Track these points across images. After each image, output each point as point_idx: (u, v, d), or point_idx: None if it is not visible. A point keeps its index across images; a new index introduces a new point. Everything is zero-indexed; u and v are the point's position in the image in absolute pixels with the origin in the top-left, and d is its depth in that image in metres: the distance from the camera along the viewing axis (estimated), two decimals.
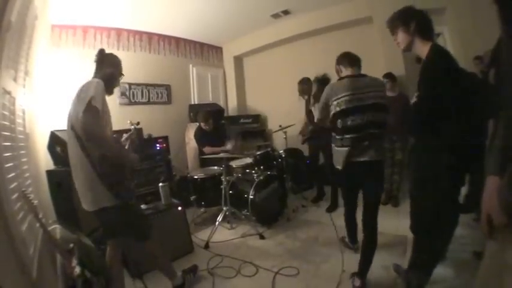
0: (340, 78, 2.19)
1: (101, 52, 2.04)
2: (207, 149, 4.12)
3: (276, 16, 5.20)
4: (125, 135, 2.25)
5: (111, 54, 2.09)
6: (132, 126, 2.35)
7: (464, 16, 3.48)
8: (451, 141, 1.51)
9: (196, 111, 5.18)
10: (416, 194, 1.73)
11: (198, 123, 4.47)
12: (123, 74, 2.11)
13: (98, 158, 1.71)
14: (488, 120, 1.46)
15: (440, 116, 1.50)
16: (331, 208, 3.78)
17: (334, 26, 5.07)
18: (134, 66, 4.90)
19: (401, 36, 1.68)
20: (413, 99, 1.59)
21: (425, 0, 3.56)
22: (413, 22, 1.61)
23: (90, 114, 1.60)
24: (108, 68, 1.98)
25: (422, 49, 1.60)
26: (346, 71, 2.19)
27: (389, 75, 3.88)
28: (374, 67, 4.55)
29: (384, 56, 4.40)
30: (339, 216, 2.87)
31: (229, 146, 4.23)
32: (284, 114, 5.59)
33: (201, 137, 4.25)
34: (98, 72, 1.96)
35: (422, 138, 1.64)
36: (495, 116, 0.93)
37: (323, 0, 4.61)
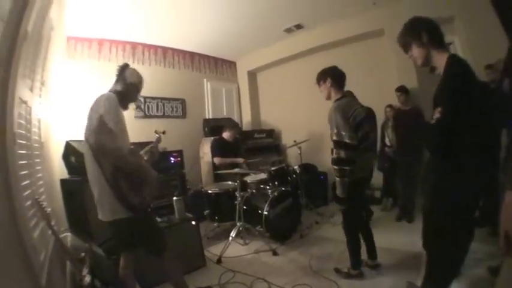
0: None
1: (122, 67, 2.09)
2: (217, 159, 4.18)
3: (288, 30, 5.34)
4: (146, 148, 2.26)
5: (131, 70, 2.12)
6: (157, 135, 2.38)
7: (474, 24, 3.46)
8: (480, 160, 1.46)
9: (210, 126, 5.31)
10: (432, 211, 1.67)
11: (213, 137, 4.58)
12: (139, 92, 2.13)
13: (110, 170, 1.74)
14: (501, 131, 1.45)
15: (467, 132, 1.45)
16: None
17: (347, 40, 5.16)
18: (149, 80, 5.00)
19: (417, 51, 1.64)
20: (435, 115, 1.52)
21: (433, 9, 3.67)
22: (424, 33, 1.58)
23: (101, 130, 1.67)
24: (124, 83, 2.02)
25: (439, 60, 1.57)
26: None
27: (402, 89, 3.90)
28: (386, 80, 4.60)
29: (397, 69, 4.42)
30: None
31: (239, 160, 4.31)
32: (298, 129, 5.64)
33: (219, 147, 4.32)
34: (115, 86, 2.01)
35: (444, 156, 1.56)
36: (509, 126, 0.91)
37: (335, 13, 4.70)
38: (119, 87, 1.98)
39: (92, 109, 1.76)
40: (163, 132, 2.46)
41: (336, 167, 2.35)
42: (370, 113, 3.70)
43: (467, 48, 3.76)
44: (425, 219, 1.72)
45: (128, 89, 2.02)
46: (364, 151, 2.41)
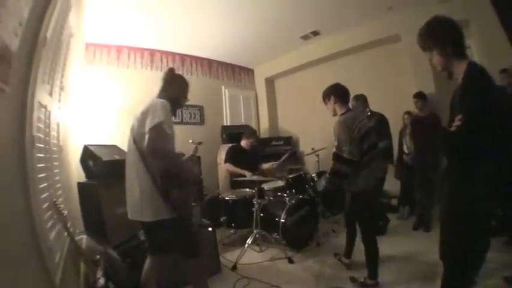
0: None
1: (171, 72, 2.14)
2: (228, 166, 4.22)
3: (305, 37, 5.36)
4: (185, 157, 2.30)
5: (180, 76, 2.19)
6: (194, 145, 2.46)
7: (489, 28, 3.38)
8: (500, 168, 1.44)
9: (228, 133, 5.34)
10: (448, 219, 1.63)
11: (231, 144, 4.64)
12: (188, 99, 2.21)
13: (161, 173, 1.81)
14: None
15: (487, 139, 1.43)
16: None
17: (363, 46, 5.16)
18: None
19: (438, 58, 1.63)
20: (455, 123, 1.50)
21: (447, 12, 3.56)
22: (449, 43, 1.56)
23: (159, 135, 1.72)
24: (175, 89, 2.08)
25: (458, 68, 1.55)
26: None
27: (419, 95, 3.84)
28: (404, 86, 4.55)
29: (414, 74, 4.37)
30: None
31: (266, 165, 4.34)
32: (316, 136, 5.60)
33: (233, 154, 4.35)
34: (164, 92, 2.05)
35: (464, 164, 1.53)
36: None
37: (351, 19, 4.70)
38: (169, 94, 2.03)
39: (147, 114, 1.80)
40: (200, 143, 2.55)
41: (329, 177, 2.62)
42: (381, 120, 3.70)
43: (482, 52, 3.72)
44: (442, 229, 1.67)
45: (178, 96, 2.09)
46: (370, 162, 2.50)
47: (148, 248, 2.12)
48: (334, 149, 2.56)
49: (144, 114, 1.82)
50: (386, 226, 3.65)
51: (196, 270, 2.05)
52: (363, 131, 2.52)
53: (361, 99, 3.84)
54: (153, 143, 1.70)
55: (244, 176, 3.88)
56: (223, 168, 4.77)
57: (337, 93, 2.75)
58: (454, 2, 3.85)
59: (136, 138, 1.87)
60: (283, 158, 4.09)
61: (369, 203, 2.59)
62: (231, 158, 4.31)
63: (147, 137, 1.71)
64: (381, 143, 3.39)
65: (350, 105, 2.86)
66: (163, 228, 1.84)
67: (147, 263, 2.06)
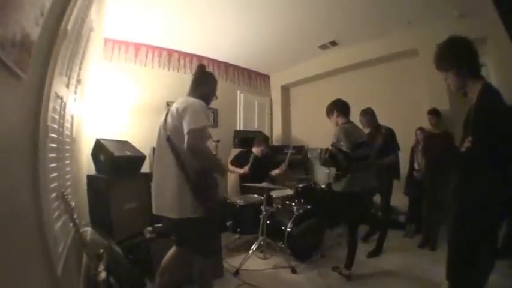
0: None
1: (202, 69, 2.19)
2: (229, 166, 4.34)
3: (323, 47, 5.35)
4: None
5: (210, 74, 2.25)
6: (214, 143, 2.51)
7: (506, 46, 3.32)
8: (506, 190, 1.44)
9: (240, 137, 5.38)
10: (457, 239, 1.62)
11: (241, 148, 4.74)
12: (217, 96, 2.26)
13: (197, 172, 1.85)
14: None
15: (497, 161, 1.44)
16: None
17: (380, 59, 5.12)
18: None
19: (453, 78, 1.65)
20: (466, 144, 1.52)
21: (465, 29, 3.61)
22: (465, 64, 1.58)
23: (202, 137, 1.82)
24: (206, 87, 2.14)
25: (473, 88, 1.57)
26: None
27: (434, 111, 3.83)
28: (418, 101, 4.51)
29: (429, 90, 4.33)
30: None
31: (276, 171, 4.37)
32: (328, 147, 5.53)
33: (238, 157, 4.43)
34: (197, 90, 2.10)
35: (472, 183, 1.54)
36: None
37: (370, 31, 4.67)
38: (202, 93, 2.08)
39: (185, 113, 1.84)
40: (218, 141, 2.60)
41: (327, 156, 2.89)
42: (388, 134, 3.76)
43: (499, 70, 3.66)
44: (450, 249, 1.65)
45: (209, 94, 2.16)
46: (357, 169, 2.82)
47: (174, 240, 2.16)
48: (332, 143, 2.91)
49: (181, 113, 1.85)
50: (382, 242, 3.52)
51: (204, 270, 2.07)
52: (359, 142, 2.89)
53: (369, 113, 3.95)
54: (197, 145, 1.76)
55: (247, 177, 3.88)
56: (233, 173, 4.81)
57: (338, 107, 3.11)
58: (472, 18, 3.80)
59: (171, 136, 1.90)
60: (288, 155, 4.30)
61: (350, 204, 2.95)
62: (236, 160, 4.40)
63: (187, 137, 1.76)
64: (385, 158, 3.64)
65: (359, 119, 3.39)
66: (188, 225, 1.87)
67: (170, 252, 2.11)
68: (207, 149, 1.90)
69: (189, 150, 1.76)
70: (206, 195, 1.86)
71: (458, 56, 1.61)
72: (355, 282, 2.86)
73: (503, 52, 3.56)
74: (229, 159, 5.21)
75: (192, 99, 1.94)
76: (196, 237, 1.93)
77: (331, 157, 2.87)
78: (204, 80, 2.14)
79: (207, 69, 2.23)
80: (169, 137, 1.90)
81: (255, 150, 4.43)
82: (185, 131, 1.78)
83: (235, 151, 5.24)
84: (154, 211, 2.00)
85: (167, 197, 1.89)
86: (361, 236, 3.93)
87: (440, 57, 1.69)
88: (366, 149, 2.97)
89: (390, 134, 3.85)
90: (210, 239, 2.04)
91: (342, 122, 3.03)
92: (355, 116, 3.91)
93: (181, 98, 2.02)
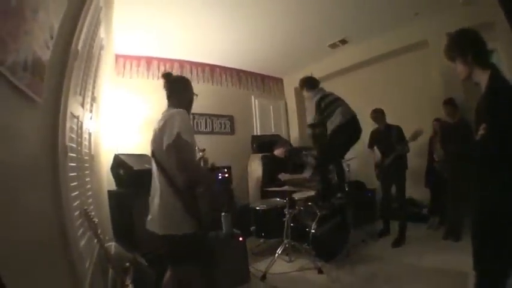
0: None
1: (169, 76, 2.09)
2: (283, 176, 4.22)
3: (333, 46, 5.31)
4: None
5: (181, 78, 2.17)
6: (200, 153, 2.36)
7: None
8: None
9: (258, 142, 5.40)
10: (481, 230, 1.61)
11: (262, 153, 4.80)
12: (196, 94, 2.16)
13: (184, 184, 1.75)
14: None
15: None
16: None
17: (391, 53, 5.07)
18: (198, 97, 5.20)
19: (460, 68, 1.68)
20: (480, 131, 1.53)
21: (473, 15, 3.65)
22: (470, 52, 1.60)
23: (180, 146, 1.66)
24: (183, 93, 2.05)
25: (481, 77, 1.59)
26: None
27: (449, 101, 3.77)
28: (433, 92, 4.42)
29: (443, 80, 4.26)
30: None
31: (306, 174, 4.35)
32: None
33: (273, 166, 4.42)
34: (172, 99, 2.01)
35: (491, 172, 1.54)
36: None
37: (378, 26, 4.63)
38: (180, 100, 1.99)
39: (164, 127, 1.75)
40: (204, 150, 2.46)
41: None
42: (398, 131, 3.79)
43: (509, 55, 3.60)
44: (474, 240, 1.63)
45: (189, 99, 2.08)
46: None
47: (169, 259, 2.02)
48: None
49: (162, 127, 1.78)
50: (404, 230, 3.68)
51: (207, 283, 1.96)
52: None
53: (379, 112, 4.07)
54: (177, 155, 1.66)
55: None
56: (255, 178, 4.82)
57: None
58: (479, 4, 3.73)
59: (155, 152, 1.85)
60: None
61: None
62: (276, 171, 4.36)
63: (166, 152, 1.69)
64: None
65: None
66: (184, 241, 1.76)
67: (168, 273, 1.99)
68: (191, 159, 1.80)
69: (176, 166, 1.68)
70: (197, 209, 1.77)
71: (463, 45, 1.64)
72: (382, 279, 2.82)
73: (510, 37, 3.46)
74: (251, 165, 5.23)
75: (170, 111, 1.84)
76: (197, 251, 1.83)
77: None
78: (174, 86, 2.05)
79: (172, 75, 2.12)
80: (153, 153, 1.85)
81: (277, 152, 4.43)
82: (164, 147, 1.70)
83: (254, 156, 5.26)
84: (146, 225, 1.91)
85: (155, 213, 1.82)
86: (377, 233, 4.08)
87: (447, 48, 1.74)
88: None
89: (398, 129, 3.93)
90: (204, 251, 1.91)
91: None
92: (366, 113, 4.04)
93: (164, 112, 1.95)
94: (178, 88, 2.06)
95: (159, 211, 1.80)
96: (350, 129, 3.27)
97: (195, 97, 2.15)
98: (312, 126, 3.48)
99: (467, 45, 1.63)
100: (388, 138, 3.88)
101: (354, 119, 3.29)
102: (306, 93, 3.65)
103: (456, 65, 1.70)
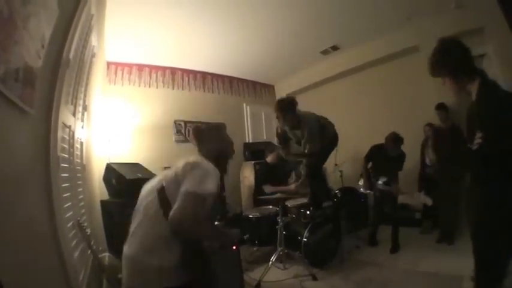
0: None
1: (218, 126, 1.93)
2: (268, 188, 4.17)
3: (325, 52, 5.33)
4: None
5: (214, 125, 2.00)
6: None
7: (504, 34, 3.27)
8: None
9: (251, 150, 5.37)
10: (479, 235, 1.59)
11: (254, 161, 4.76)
12: (233, 151, 1.96)
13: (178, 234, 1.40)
14: None
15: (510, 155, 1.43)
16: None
17: (383, 58, 5.09)
18: (189, 105, 5.24)
19: (451, 85, 1.67)
20: (476, 140, 1.49)
21: (462, 21, 3.73)
22: (460, 69, 1.58)
23: (197, 205, 1.36)
24: (213, 141, 1.81)
25: (471, 86, 1.57)
26: None
27: (441, 106, 3.80)
28: (424, 97, 4.47)
29: (434, 85, 4.27)
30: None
31: (293, 186, 4.27)
32: (337, 152, 5.52)
33: (264, 173, 4.38)
34: (204, 149, 1.76)
35: (487, 180, 1.53)
36: None
37: (370, 32, 4.66)
38: (212, 149, 1.77)
39: (193, 172, 1.47)
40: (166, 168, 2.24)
41: None
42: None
43: (499, 59, 3.60)
44: (474, 253, 1.62)
45: (222, 147, 1.85)
46: None
47: None
48: None
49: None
50: (396, 236, 3.61)
51: None
52: None
53: (400, 140, 3.71)
54: (187, 214, 1.32)
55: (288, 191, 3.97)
56: (247, 186, 4.78)
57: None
58: (469, 8, 3.76)
59: (167, 189, 1.49)
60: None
61: None
62: (268, 178, 4.30)
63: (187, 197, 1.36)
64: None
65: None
66: None
67: None
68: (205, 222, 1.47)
69: (174, 216, 1.32)
70: (196, 263, 1.51)
71: (451, 63, 1.61)
72: (376, 284, 2.81)
73: (500, 40, 3.52)
74: (243, 173, 5.21)
75: (205, 162, 1.58)
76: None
77: None
78: (207, 134, 1.82)
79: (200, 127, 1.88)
80: (163, 188, 1.50)
81: (269, 159, 4.41)
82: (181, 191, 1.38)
83: (246, 164, 5.24)
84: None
85: (156, 265, 1.37)
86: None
87: (434, 66, 1.69)
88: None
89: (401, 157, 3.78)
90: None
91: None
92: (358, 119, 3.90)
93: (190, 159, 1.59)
94: (210, 137, 1.83)
95: (157, 264, 1.38)
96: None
97: (233, 152, 1.94)
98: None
99: (456, 62, 1.60)
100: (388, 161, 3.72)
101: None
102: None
103: (444, 81, 1.70)
